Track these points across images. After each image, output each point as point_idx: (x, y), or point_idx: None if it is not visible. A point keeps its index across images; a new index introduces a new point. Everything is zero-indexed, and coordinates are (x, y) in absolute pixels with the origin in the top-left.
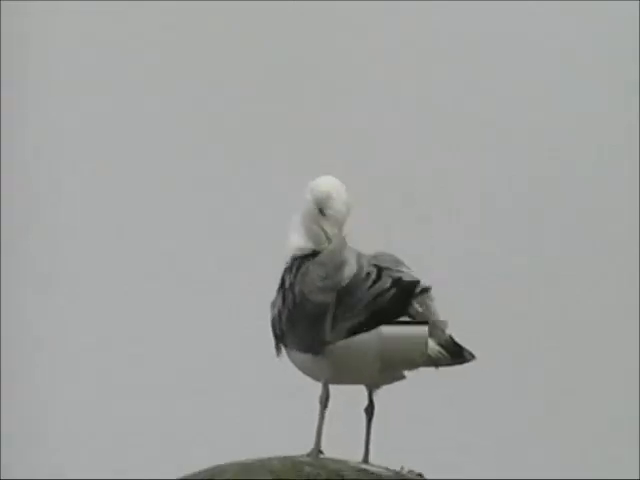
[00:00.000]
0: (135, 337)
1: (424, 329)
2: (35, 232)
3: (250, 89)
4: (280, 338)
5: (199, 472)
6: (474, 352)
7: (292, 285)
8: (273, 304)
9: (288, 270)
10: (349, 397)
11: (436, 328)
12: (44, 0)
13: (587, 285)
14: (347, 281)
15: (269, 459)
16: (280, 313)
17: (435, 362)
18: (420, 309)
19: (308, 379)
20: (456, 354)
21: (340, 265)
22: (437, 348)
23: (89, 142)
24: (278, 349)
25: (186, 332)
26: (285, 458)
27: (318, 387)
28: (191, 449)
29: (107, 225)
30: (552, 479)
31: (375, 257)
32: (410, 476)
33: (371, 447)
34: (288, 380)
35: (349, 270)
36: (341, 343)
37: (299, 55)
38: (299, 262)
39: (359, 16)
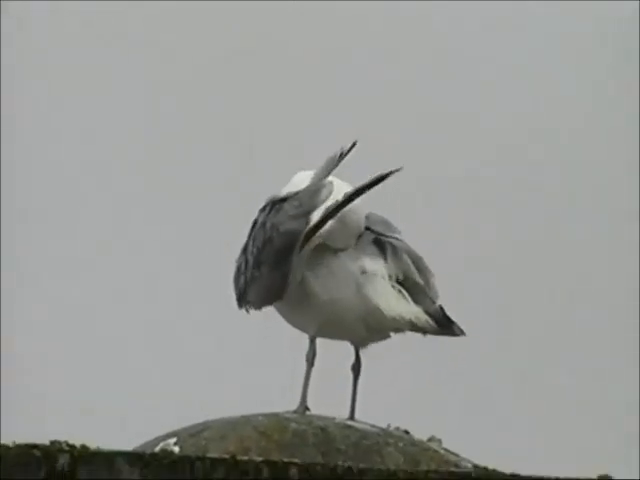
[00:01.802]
0: (121, 295)
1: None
2: None
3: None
4: (241, 292)
5: (185, 428)
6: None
7: (264, 223)
8: (237, 261)
9: (262, 210)
10: (336, 354)
11: (425, 297)
12: None
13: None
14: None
15: (255, 415)
16: (245, 262)
17: (422, 329)
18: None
19: (295, 336)
20: (445, 326)
21: (315, 191)
22: (425, 317)
23: None
24: (240, 304)
25: (177, 285)
26: (271, 414)
27: (305, 344)
28: (178, 406)
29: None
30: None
31: (367, 218)
32: (397, 433)
33: (357, 404)
34: (275, 337)
35: (326, 193)
36: (327, 300)
37: None
38: (274, 203)
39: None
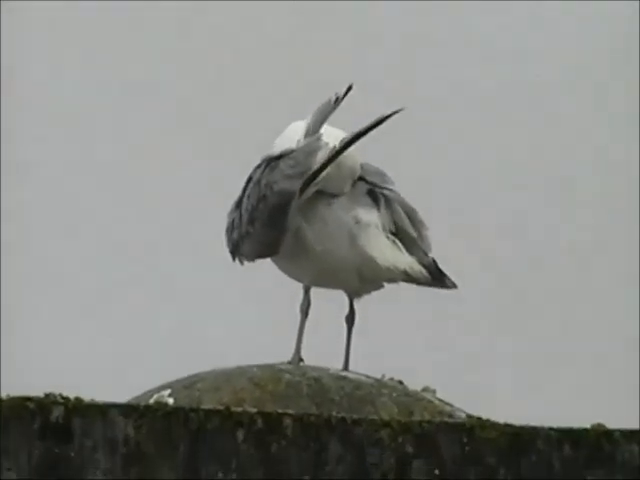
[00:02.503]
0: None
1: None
2: None
3: None
4: (235, 246)
5: (179, 380)
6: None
7: (259, 180)
8: (229, 214)
9: (257, 167)
10: (330, 305)
11: (419, 249)
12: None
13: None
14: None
15: (249, 366)
16: (239, 217)
17: (415, 280)
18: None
19: (289, 287)
20: (437, 278)
21: (311, 152)
22: (419, 267)
23: None
24: (233, 256)
25: (168, 241)
26: (265, 365)
27: (300, 295)
28: (171, 357)
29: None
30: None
31: (362, 168)
32: (390, 383)
33: (351, 355)
34: (270, 287)
35: (322, 155)
36: (321, 250)
37: None
38: (269, 161)
39: None
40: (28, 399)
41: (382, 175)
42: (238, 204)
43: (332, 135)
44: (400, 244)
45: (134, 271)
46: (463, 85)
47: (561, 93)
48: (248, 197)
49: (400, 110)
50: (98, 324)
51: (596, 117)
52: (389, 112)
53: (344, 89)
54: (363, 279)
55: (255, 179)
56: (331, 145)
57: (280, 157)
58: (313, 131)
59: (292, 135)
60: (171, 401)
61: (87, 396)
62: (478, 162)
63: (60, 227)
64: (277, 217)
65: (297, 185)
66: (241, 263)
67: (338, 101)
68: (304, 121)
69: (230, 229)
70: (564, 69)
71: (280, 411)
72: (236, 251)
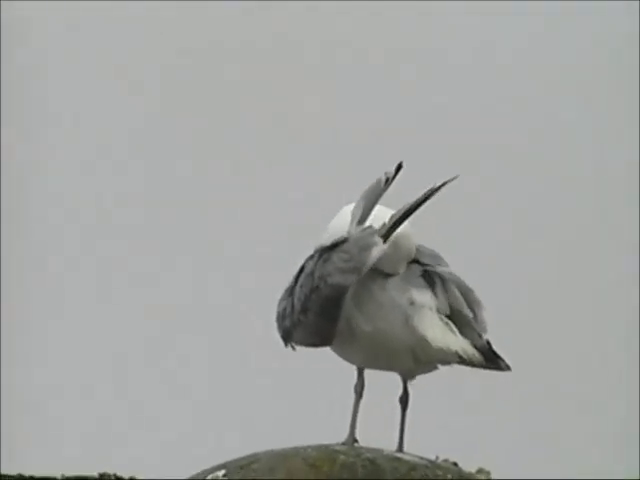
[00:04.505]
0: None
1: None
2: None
3: None
4: (287, 333)
5: (235, 460)
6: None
7: (312, 272)
8: (280, 301)
9: (310, 258)
10: (384, 386)
11: (473, 331)
12: None
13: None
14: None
15: (304, 447)
16: (291, 305)
17: (468, 362)
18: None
19: (344, 369)
20: (491, 360)
21: (366, 247)
22: (471, 350)
23: None
24: (286, 343)
25: (223, 319)
26: (320, 446)
27: (354, 376)
28: (227, 437)
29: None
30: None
31: (417, 250)
32: (445, 465)
33: (406, 436)
34: (324, 369)
35: (376, 253)
36: (371, 331)
37: None
38: (322, 252)
39: None
40: (84, 479)
41: (437, 257)
42: (290, 292)
43: (381, 214)
44: (454, 326)
45: (198, 345)
46: (463, 89)
47: (561, 93)
48: (301, 287)
49: (453, 179)
50: (154, 403)
51: (596, 117)
52: (439, 183)
53: (394, 169)
54: (416, 360)
55: (308, 270)
56: (380, 223)
57: (333, 247)
58: (364, 217)
59: (343, 221)
60: None
61: (141, 475)
62: None
63: None
64: (330, 309)
65: (350, 280)
66: (293, 349)
67: (388, 182)
68: (355, 205)
69: (282, 316)
70: (564, 69)
71: None
72: (288, 338)
